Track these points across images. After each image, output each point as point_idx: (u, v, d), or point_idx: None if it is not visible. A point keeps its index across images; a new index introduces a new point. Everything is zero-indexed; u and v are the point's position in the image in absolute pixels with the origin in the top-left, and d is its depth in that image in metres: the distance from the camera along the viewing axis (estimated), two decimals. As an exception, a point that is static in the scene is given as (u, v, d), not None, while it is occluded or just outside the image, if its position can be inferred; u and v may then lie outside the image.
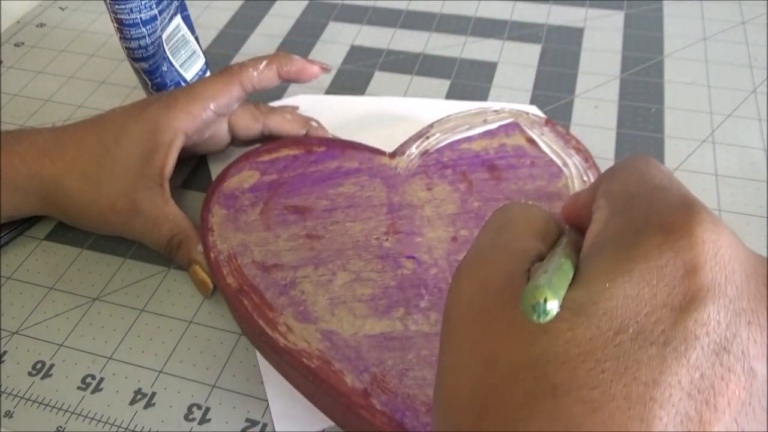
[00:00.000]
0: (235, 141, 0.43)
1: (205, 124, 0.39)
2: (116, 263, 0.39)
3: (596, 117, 0.47)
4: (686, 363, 0.15)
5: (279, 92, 0.50)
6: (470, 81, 0.50)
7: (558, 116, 0.47)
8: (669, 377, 0.15)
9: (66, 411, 0.33)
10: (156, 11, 0.42)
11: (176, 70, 0.46)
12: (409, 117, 0.46)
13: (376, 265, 0.34)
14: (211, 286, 0.36)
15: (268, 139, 0.43)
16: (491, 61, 0.52)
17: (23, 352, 0.35)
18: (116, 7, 0.40)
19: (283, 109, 0.44)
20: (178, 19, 0.45)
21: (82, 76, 0.53)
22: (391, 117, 0.46)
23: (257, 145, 0.41)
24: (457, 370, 0.18)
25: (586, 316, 0.16)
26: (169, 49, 0.45)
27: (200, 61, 0.48)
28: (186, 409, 0.32)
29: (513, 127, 0.41)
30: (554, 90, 0.49)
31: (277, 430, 0.31)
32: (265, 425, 0.32)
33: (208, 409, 0.32)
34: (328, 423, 0.31)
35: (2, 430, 0.32)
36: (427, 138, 0.41)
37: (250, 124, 0.42)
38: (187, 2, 0.47)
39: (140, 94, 0.50)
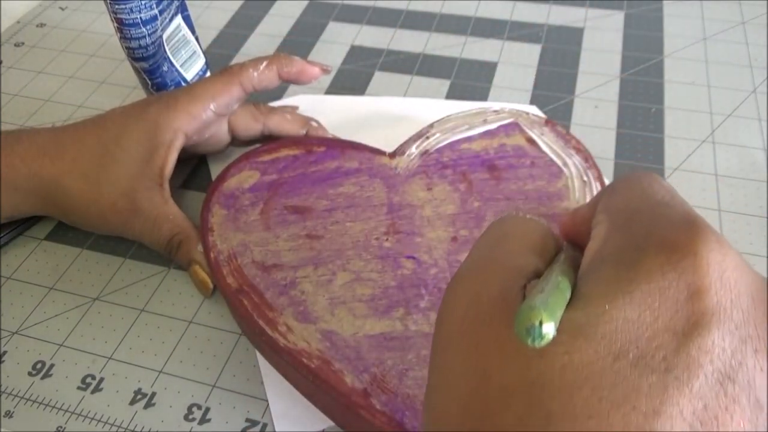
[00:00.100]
0: (235, 141, 0.43)
1: (205, 124, 0.39)
2: (116, 263, 0.39)
3: (596, 117, 0.47)
4: (689, 392, 0.14)
5: (279, 92, 0.50)
6: (470, 81, 0.50)
7: (558, 116, 0.47)
8: (670, 407, 0.14)
9: (66, 411, 0.33)
10: (156, 11, 0.42)
11: (177, 70, 0.46)
12: (409, 117, 0.46)
13: (376, 265, 0.34)
14: (211, 286, 0.36)
15: (268, 139, 0.43)
16: (491, 61, 0.52)
17: (23, 352, 0.35)
18: (116, 7, 0.40)
19: (283, 109, 0.44)
20: (178, 19, 0.45)
21: (82, 76, 0.53)
22: (391, 117, 0.46)
23: (257, 145, 0.41)
24: (447, 390, 0.17)
25: (584, 339, 0.15)
26: (169, 49, 0.45)
27: (200, 61, 0.48)
28: (186, 409, 0.32)
29: (513, 127, 0.41)
30: (554, 90, 0.49)
31: (277, 430, 0.31)
32: (265, 425, 0.32)
33: (208, 409, 0.32)
34: (328, 423, 0.31)
35: (2, 430, 0.32)
36: (427, 138, 0.41)
37: (250, 124, 0.42)
38: (187, 2, 0.47)
39: (140, 94, 0.50)
